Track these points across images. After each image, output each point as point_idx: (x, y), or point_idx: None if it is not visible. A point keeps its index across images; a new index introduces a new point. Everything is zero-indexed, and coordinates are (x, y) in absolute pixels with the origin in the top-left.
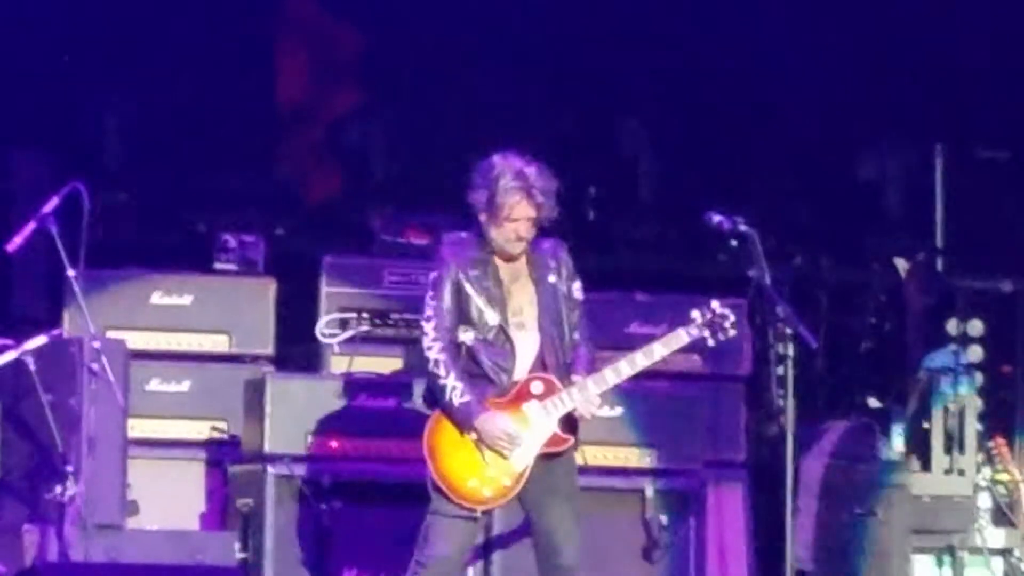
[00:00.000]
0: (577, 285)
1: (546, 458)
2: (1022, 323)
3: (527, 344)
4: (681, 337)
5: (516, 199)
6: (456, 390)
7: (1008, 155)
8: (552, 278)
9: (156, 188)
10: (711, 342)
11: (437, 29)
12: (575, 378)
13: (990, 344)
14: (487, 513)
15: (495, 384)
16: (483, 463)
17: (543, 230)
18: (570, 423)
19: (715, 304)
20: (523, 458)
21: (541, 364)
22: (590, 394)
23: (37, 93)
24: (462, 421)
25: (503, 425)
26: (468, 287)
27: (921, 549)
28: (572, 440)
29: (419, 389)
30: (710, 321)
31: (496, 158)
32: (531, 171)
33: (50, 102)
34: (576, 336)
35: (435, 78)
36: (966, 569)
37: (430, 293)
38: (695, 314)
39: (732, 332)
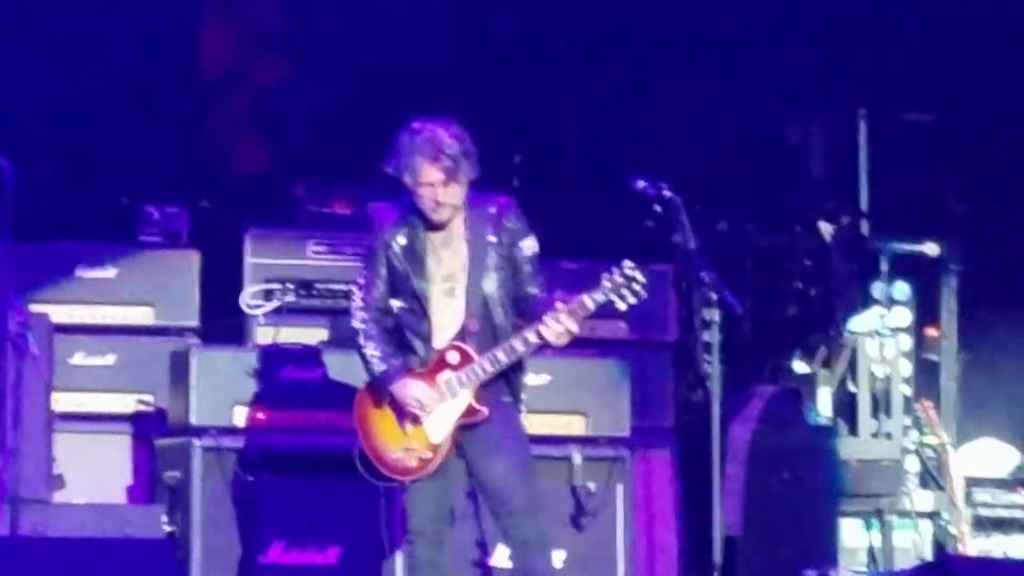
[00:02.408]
0: (527, 243)
1: (472, 425)
2: (947, 286)
3: (453, 312)
4: (586, 304)
5: (421, 163)
6: (375, 358)
7: (932, 118)
8: (491, 237)
9: (79, 161)
10: (621, 305)
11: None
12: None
13: (916, 307)
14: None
15: (417, 354)
16: (403, 435)
17: (481, 185)
18: (510, 385)
19: (626, 264)
20: (440, 430)
21: (464, 332)
22: (503, 363)
23: None
24: (380, 389)
25: (414, 391)
26: (395, 257)
27: (849, 513)
28: (486, 411)
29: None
30: (617, 286)
31: (411, 125)
32: (437, 134)
33: None
34: (531, 290)
35: (359, 48)
36: (894, 532)
37: (361, 263)
38: (604, 277)
39: (643, 294)
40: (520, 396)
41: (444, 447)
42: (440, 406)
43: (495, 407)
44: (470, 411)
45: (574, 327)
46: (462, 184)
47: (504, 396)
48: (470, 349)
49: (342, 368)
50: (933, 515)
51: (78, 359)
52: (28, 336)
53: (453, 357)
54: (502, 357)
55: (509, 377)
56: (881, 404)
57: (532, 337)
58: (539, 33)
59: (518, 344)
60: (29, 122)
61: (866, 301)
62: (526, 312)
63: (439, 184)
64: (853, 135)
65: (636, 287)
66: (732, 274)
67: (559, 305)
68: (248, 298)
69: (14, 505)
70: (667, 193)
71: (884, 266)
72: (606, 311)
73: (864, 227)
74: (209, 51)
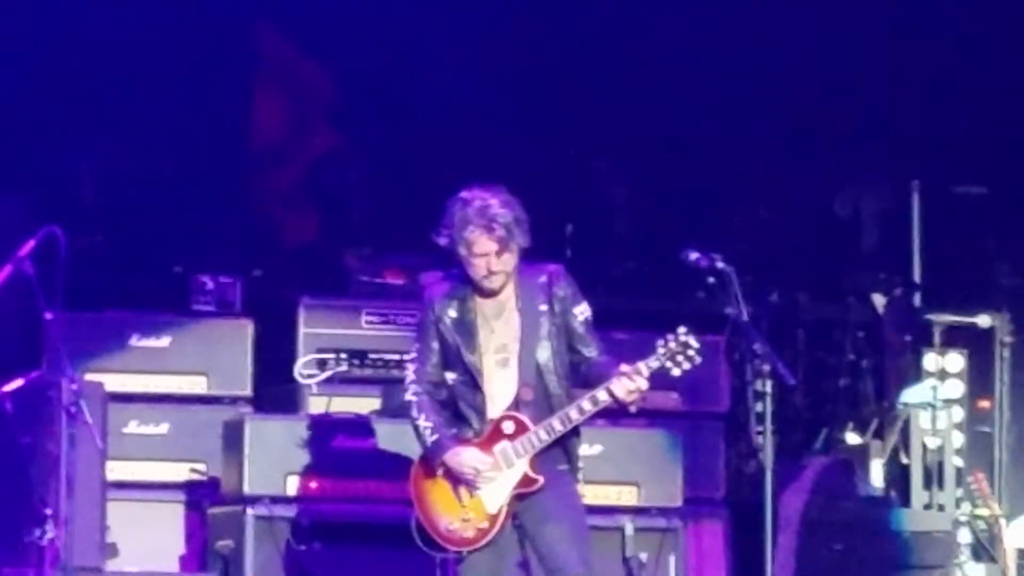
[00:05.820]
0: (580, 309)
1: (528, 494)
2: (1000, 358)
3: (507, 382)
4: (641, 371)
5: (475, 233)
6: (428, 429)
7: (984, 191)
8: (543, 306)
9: (132, 230)
10: (676, 372)
11: (411, 70)
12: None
13: (968, 379)
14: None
15: (472, 426)
16: (460, 506)
17: (533, 255)
18: (567, 453)
19: (680, 330)
20: (496, 499)
21: (518, 401)
22: (559, 431)
23: (11, 137)
24: (433, 459)
25: (469, 459)
26: (446, 330)
27: None
28: (542, 480)
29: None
30: (672, 352)
31: (460, 194)
32: (489, 203)
33: (25, 145)
34: (590, 353)
35: (409, 118)
36: None
37: (414, 335)
38: (658, 344)
39: (698, 360)
40: (577, 463)
41: (501, 517)
42: (496, 476)
43: (551, 475)
44: (526, 480)
45: (644, 385)
46: (514, 252)
47: (560, 464)
48: (525, 418)
49: (394, 438)
50: None
51: (132, 428)
52: (82, 405)
53: (508, 427)
54: (558, 425)
55: (565, 444)
56: (933, 476)
57: (602, 395)
58: (590, 104)
59: (574, 411)
60: (83, 191)
61: (918, 373)
62: (588, 375)
63: (493, 254)
64: (905, 207)
65: (691, 353)
66: (784, 345)
67: (624, 367)
68: (301, 367)
69: (67, 574)
70: (720, 264)
71: (936, 338)
72: (658, 381)
73: (916, 299)
74: (261, 122)
